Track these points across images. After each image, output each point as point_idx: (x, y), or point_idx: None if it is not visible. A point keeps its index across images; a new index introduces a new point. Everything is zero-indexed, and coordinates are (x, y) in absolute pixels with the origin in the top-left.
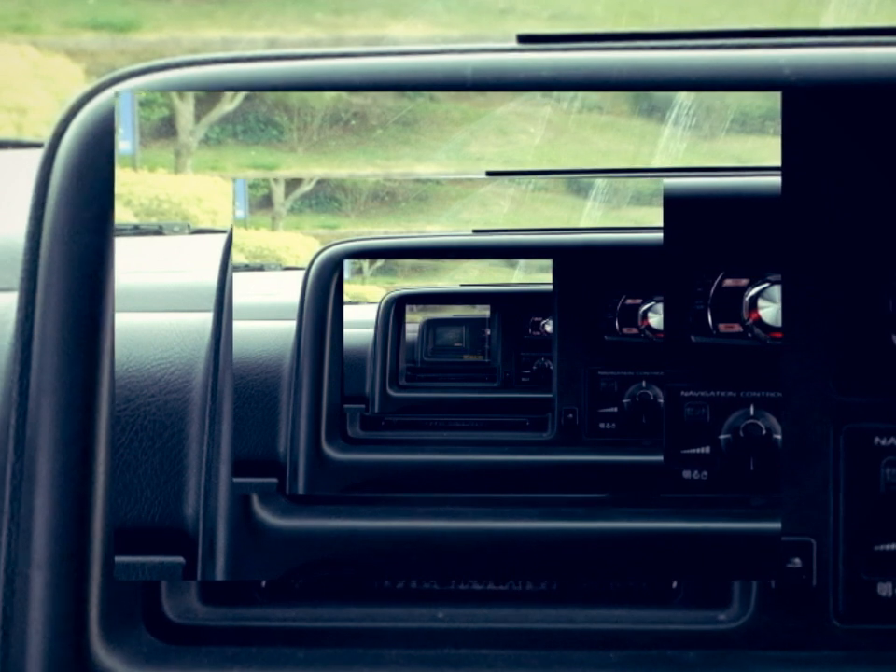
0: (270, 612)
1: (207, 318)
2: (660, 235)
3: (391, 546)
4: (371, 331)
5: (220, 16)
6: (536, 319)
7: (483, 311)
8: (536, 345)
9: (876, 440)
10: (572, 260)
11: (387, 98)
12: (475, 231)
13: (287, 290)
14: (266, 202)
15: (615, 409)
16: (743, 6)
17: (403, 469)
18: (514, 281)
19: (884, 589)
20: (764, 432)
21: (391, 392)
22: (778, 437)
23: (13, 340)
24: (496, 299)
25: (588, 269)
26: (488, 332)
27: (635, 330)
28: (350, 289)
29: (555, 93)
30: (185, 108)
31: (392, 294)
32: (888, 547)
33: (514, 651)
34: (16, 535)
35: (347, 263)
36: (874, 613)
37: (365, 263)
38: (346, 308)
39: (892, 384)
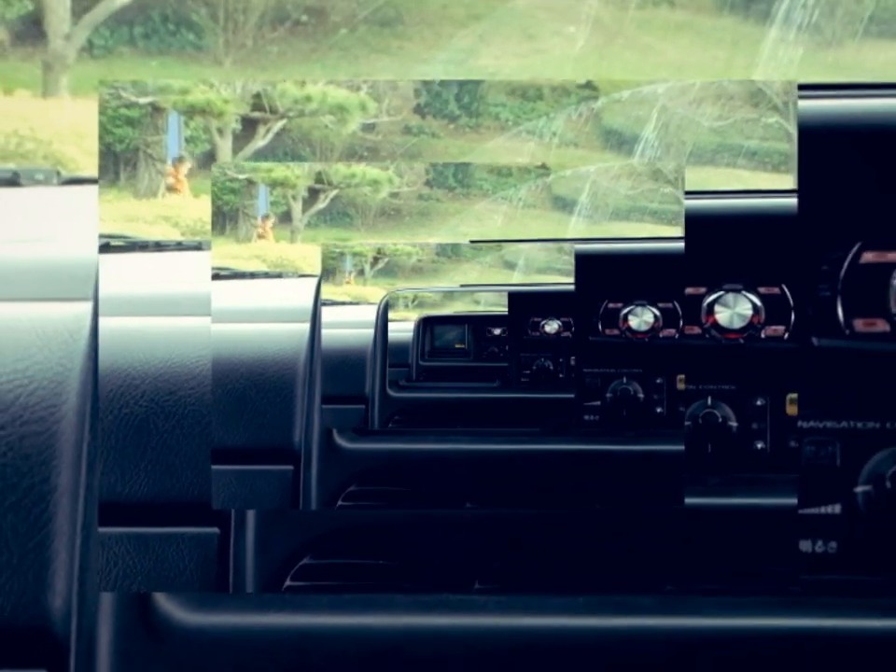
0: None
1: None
2: (643, 244)
3: (395, 525)
4: (371, 331)
5: (261, 78)
6: (535, 320)
7: (488, 308)
8: (536, 346)
9: (800, 423)
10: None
11: (394, 135)
12: (472, 242)
13: (302, 295)
14: (286, 217)
15: (598, 403)
16: (686, 69)
17: (407, 456)
18: (513, 282)
19: (804, 545)
20: (720, 420)
21: (391, 392)
22: (732, 424)
23: (88, 341)
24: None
25: (578, 274)
26: (496, 332)
27: (616, 332)
28: (352, 290)
29: (537, 129)
30: (224, 144)
31: (391, 294)
32: (808, 511)
33: (502, 596)
34: (90, 500)
35: (349, 265)
36: (796, 565)
37: (367, 265)
38: (348, 308)
39: (812, 379)
